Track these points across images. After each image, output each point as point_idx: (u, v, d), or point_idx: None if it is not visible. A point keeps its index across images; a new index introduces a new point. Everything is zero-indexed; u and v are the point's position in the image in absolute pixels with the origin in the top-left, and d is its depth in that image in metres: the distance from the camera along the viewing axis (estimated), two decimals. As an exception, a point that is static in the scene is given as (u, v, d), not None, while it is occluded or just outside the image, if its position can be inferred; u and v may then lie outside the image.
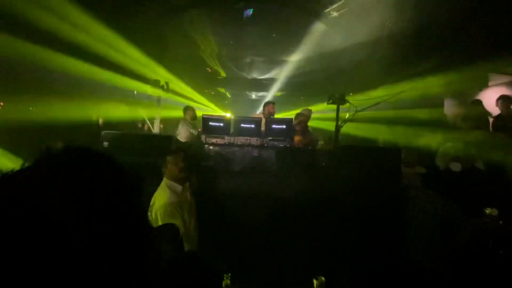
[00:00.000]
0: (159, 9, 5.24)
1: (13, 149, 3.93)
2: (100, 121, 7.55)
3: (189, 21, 5.78)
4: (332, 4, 5.04)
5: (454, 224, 2.01)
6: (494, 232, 2.15)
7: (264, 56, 7.15)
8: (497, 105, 4.47)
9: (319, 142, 5.31)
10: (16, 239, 0.38)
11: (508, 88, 6.60)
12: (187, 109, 4.98)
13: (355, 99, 3.93)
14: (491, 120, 4.84)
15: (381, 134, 6.47)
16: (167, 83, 3.59)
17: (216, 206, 2.89)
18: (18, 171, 0.46)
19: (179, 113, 5.12)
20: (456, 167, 2.98)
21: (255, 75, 8.26)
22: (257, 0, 5.16)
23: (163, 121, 6.05)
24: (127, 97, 6.45)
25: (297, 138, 4.33)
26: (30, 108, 5.93)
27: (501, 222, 2.23)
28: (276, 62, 7.42)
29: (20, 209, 0.40)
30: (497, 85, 6.83)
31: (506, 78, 6.64)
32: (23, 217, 0.40)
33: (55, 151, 0.49)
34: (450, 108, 7.00)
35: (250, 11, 6.08)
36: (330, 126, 4.43)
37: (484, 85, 6.86)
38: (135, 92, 5.94)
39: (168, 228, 1.53)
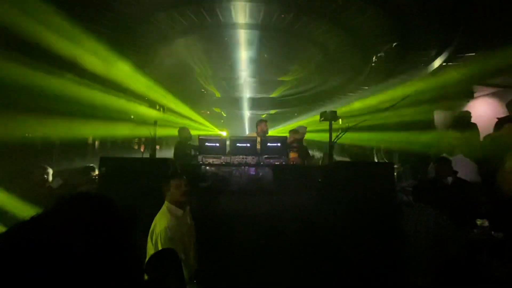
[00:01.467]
0: (156, 34, 5.49)
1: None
2: (96, 143, 7.60)
3: (184, 46, 6.03)
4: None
5: (446, 235, 2.06)
6: (487, 243, 2.20)
7: (257, 76, 7.40)
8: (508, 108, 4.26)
9: (315, 157, 5.40)
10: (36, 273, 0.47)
11: (492, 98, 6.88)
12: (182, 129, 5.06)
13: (346, 113, 4.06)
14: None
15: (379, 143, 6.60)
16: (163, 107, 3.69)
17: (215, 227, 2.90)
18: (36, 217, 0.56)
19: (174, 132, 5.19)
20: (450, 180, 3.08)
21: (249, 94, 8.50)
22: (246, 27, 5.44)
23: (159, 141, 6.12)
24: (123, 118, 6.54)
25: (292, 155, 4.42)
26: (26, 134, 5.97)
27: (492, 232, 2.29)
28: (268, 82, 7.67)
29: (41, 250, 0.49)
30: (482, 96, 7.12)
31: (490, 89, 6.93)
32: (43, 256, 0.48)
33: (66, 199, 0.60)
34: (439, 120, 7.23)
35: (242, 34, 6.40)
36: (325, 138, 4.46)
37: (470, 96, 7.14)
38: (132, 116, 6.06)
39: (167, 253, 1.55)
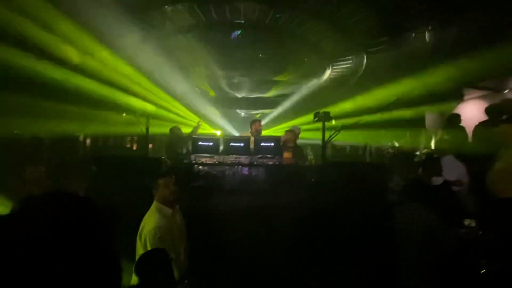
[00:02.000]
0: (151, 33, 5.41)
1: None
2: (88, 141, 7.46)
3: (179, 44, 5.97)
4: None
5: (435, 235, 2.09)
6: (474, 242, 2.25)
7: (251, 76, 7.40)
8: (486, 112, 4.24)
9: (309, 157, 5.42)
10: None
11: (482, 101, 7.02)
12: (173, 128, 5.03)
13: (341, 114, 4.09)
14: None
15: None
16: (155, 105, 3.65)
17: (207, 226, 2.88)
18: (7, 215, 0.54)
19: (167, 130, 5.15)
20: (437, 181, 3.13)
21: (244, 94, 8.49)
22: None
23: (152, 140, 6.04)
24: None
25: (286, 155, 4.42)
26: (15, 131, 5.82)
27: (480, 232, 2.34)
28: (263, 81, 7.68)
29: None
30: (471, 99, 7.26)
31: (479, 92, 7.07)
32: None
33: (33, 198, 0.58)
34: (430, 123, 7.34)
35: (237, 33, 6.37)
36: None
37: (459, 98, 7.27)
38: (124, 114, 5.99)
39: (157, 253, 1.53)
